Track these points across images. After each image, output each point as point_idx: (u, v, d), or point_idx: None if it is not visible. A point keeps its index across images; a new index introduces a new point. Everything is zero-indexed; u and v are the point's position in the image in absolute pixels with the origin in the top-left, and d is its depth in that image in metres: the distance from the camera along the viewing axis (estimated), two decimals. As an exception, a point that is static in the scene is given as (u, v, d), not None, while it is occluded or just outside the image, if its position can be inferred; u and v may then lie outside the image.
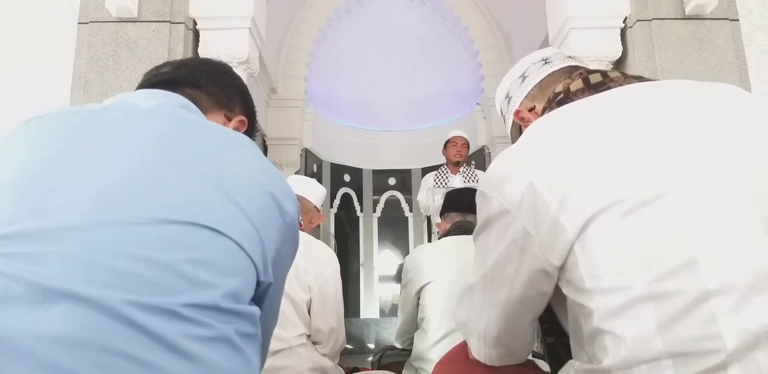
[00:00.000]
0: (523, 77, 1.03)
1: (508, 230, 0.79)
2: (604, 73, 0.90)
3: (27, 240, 0.63)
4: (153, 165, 0.71)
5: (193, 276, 0.65)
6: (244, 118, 1.01)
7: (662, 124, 0.75)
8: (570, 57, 1.04)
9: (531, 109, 1.02)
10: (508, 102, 1.06)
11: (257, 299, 0.77)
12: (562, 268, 0.75)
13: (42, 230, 0.63)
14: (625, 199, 0.69)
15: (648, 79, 0.87)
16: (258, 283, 0.75)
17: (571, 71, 0.97)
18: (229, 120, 0.98)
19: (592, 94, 0.86)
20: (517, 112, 1.04)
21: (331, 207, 6.35)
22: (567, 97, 0.90)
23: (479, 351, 0.93)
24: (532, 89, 1.01)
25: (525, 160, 0.79)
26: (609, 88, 0.86)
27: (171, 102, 0.85)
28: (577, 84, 0.90)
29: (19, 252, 0.62)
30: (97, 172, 0.69)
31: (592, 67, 3.46)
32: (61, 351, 0.56)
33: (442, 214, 2.32)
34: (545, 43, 4.14)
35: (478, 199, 0.86)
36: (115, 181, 0.68)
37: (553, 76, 1.00)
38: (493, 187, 0.81)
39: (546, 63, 1.01)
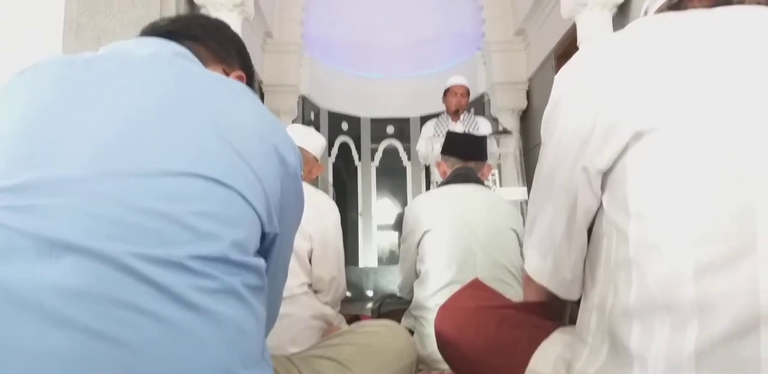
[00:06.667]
0: None
1: (572, 114, 0.76)
2: None
3: (29, 192, 0.62)
4: (153, 115, 0.70)
5: (198, 228, 0.64)
6: (242, 74, 1.00)
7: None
8: None
9: None
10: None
11: (264, 251, 0.77)
12: (609, 179, 0.72)
13: (44, 182, 0.62)
14: (695, 124, 0.65)
15: None
16: (264, 235, 0.74)
17: None
18: (227, 74, 0.97)
19: (710, 3, 0.79)
20: None
21: (329, 156, 6.33)
22: (682, 1, 0.84)
23: (532, 261, 0.88)
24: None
25: (615, 52, 0.75)
26: (730, 1, 0.79)
27: (166, 50, 0.83)
28: None
29: (22, 204, 0.61)
30: (97, 122, 0.68)
31: (597, 8, 3.37)
32: (70, 302, 0.56)
33: (443, 154, 2.29)
34: (549, -13, 4.03)
35: (556, 77, 0.82)
36: (116, 132, 0.67)
37: None
38: (577, 65, 0.79)
39: None
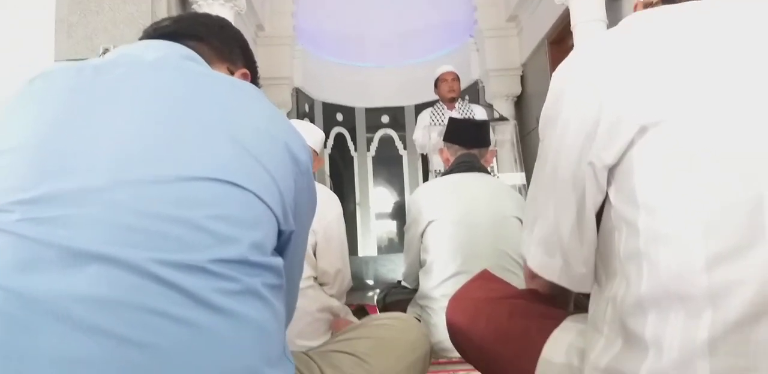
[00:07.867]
0: None
1: (575, 107, 0.76)
2: None
3: (50, 203, 0.62)
4: (166, 121, 0.70)
5: (217, 232, 0.65)
6: (246, 71, 1.00)
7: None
8: None
9: (648, 5, 0.93)
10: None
11: (280, 248, 0.78)
12: (615, 173, 0.73)
13: (64, 193, 0.63)
14: (700, 116, 0.66)
15: None
16: (280, 233, 0.75)
17: None
18: (232, 73, 0.97)
19: None
20: (635, 6, 0.98)
21: (325, 147, 6.31)
22: None
23: (536, 259, 0.87)
24: None
25: (615, 46, 0.75)
26: None
27: (174, 53, 0.84)
28: None
29: (43, 216, 0.62)
30: (112, 131, 0.68)
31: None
32: (96, 311, 0.57)
33: (445, 141, 2.29)
34: (540, -28, 4.02)
35: (555, 73, 0.81)
36: (130, 140, 0.68)
37: None
38: (578, 59, 0.79)
39: None
